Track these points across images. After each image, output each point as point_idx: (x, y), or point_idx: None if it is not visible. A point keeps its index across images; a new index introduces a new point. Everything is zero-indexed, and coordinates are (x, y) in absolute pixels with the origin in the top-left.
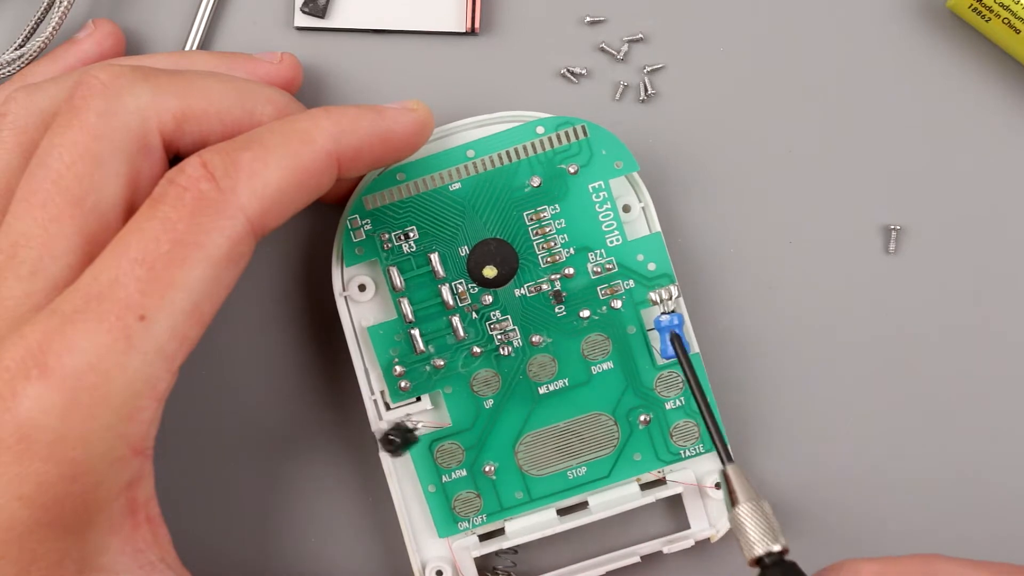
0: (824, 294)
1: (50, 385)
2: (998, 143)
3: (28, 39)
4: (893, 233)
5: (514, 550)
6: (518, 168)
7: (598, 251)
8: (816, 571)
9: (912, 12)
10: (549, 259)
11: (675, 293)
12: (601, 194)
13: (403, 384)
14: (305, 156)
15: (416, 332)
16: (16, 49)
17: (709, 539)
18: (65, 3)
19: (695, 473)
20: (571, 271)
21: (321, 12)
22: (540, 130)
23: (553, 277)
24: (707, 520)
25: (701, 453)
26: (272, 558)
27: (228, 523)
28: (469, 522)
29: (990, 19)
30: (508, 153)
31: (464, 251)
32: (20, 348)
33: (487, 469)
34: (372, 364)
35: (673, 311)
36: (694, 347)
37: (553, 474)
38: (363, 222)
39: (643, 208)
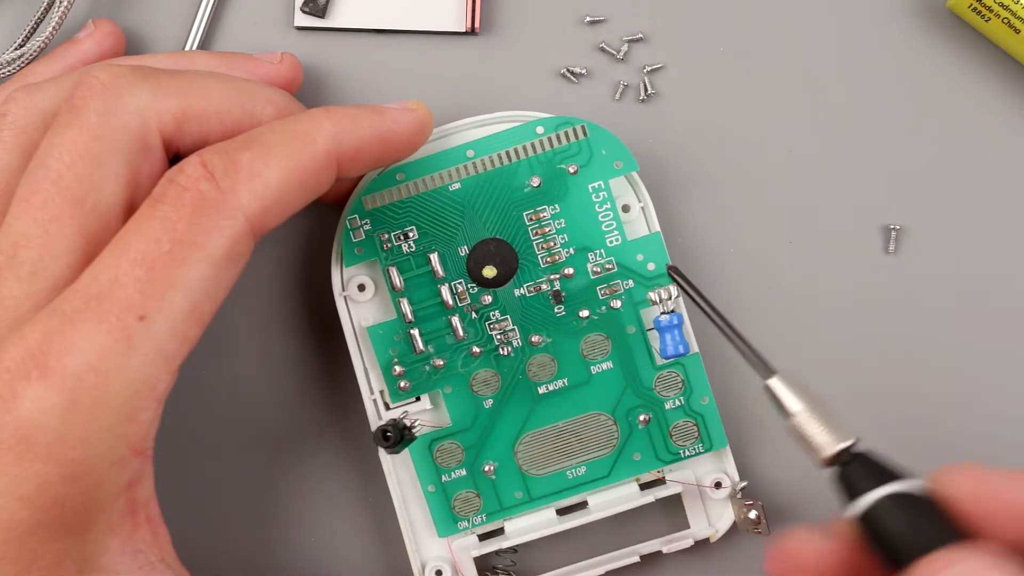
0: (824, 294)
1: (50, 386)
2: (998, 143)
3: (28, 39)
4: (893, 233)
5: (514, 550)
6: (518, 168)
7: (598, 251)
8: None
9: (912, 12)
10: (549, 259)
11: (674, 293)
12: (601, 194)
13: (403, 384)
14: (305, 156)
15: (416, 332)
16: (16, 49)
17: (708, 539)
18: (65, 3)
19: (694, 473)
20: (571, 271)
21: (321, 12)
22: (540, 130)
23: (553, 277)
24: (707, 520)
25: (700, 453)
26: (272, 558)
27: (228, 523)
28: (469, 522)
29: (990, 19)
30: (508, 153)
31: (464, 251)
32: (20, 349)
33: (487, 469)
34: (372, 364)
35: (672, 311)
36: (694, 347)
37: (552, 474)
38: (362, 222)
39: (642, 208)
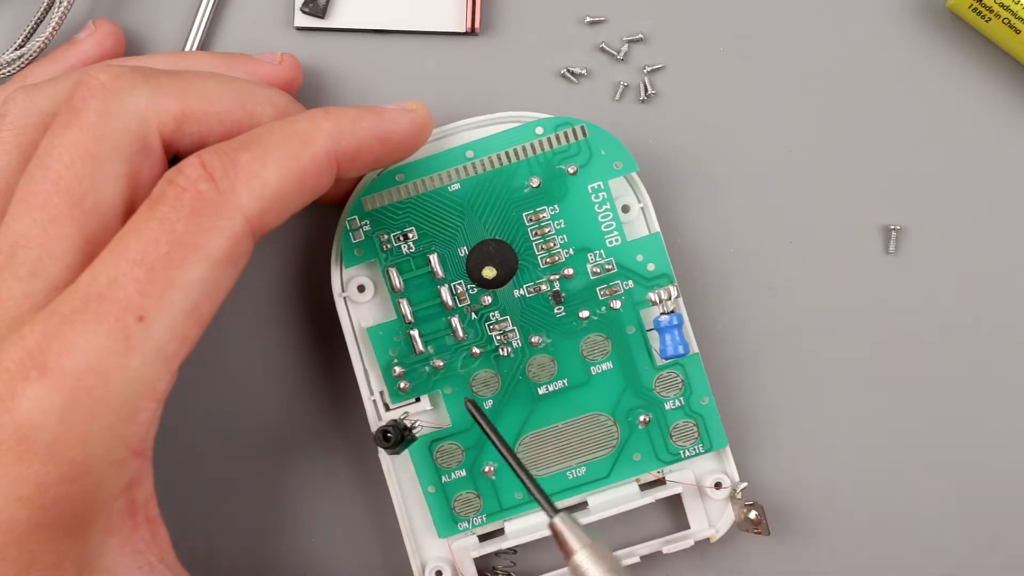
0: (824, 294)
1: (49, 386)
2: (998, 143)
3: (28, 39)
4: (893, 233)
5: (514, 550)
6: (517, 169)
7: (597, 251)
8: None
9: (912, 12)
10: (548, 260)
11: (674, 293)
12: (600, 194)
13: (402, 385)
14: (304, 157)
15: (415, 333)
16: (16, 49)
17: (709, 539)
18: (65, 3)
19: (694, 473)
20: (570, 271)
21: (321, 12)
22: (539, 131)
23: (552, 278)
24: (707, 520)
25: (700, 453)
26: (272, 558)
27: (228, 523)
28: (469, 522)
29: (990, 19)
30: (507, 154)
31: (463, 252)
32: (19, 349)
33: (487, 469)
34: (371, 364)
35: (672, 311)
36: (694, 347)
37: (553, 474)
38: (362, 223)
39: (642, 208)
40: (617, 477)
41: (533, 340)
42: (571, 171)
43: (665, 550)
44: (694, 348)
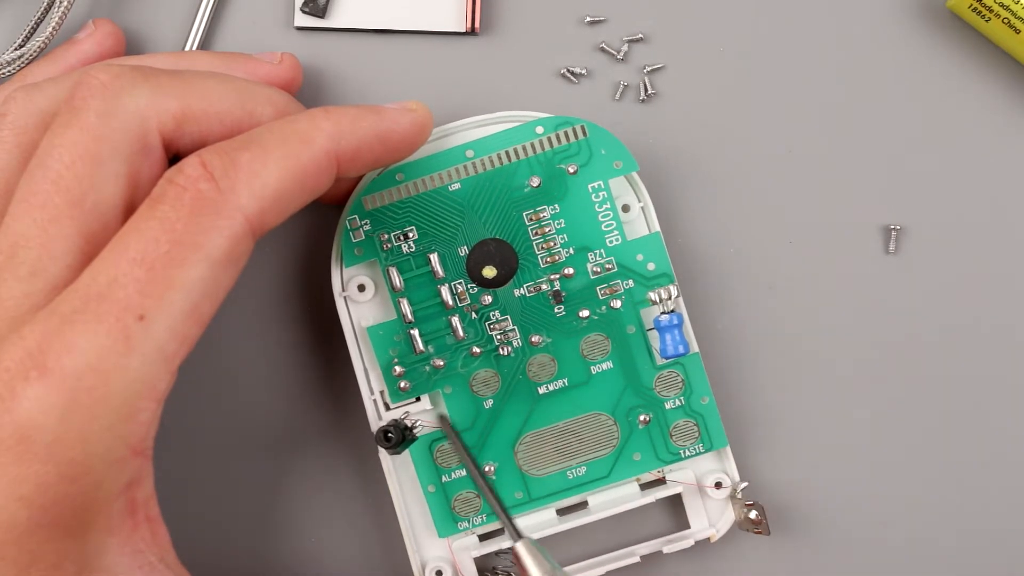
0: (824, 294)
1: (49, 386)
2: (998, 143)
3: (28, 39)
4: (893, 233)
5: None
6: (517, 168)
7: (597, 251)
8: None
9: (912, 12)
10: (548, 259)
11: (674, 293)
12: (600, 194)
13: (403, 384)
14: (304, 156)
15: (416, 332)
16: (16, 49)
17: (709, 539)
18: (65, 3)
19: (695, 473)
20: (570, 271)
21: (321, 12)
22: (539, 130)
23: (552, 277)
24: (707, 520)
25: (701, 453)
26: (272, 557)
27: (228, 523)
28: (469, 522)
29: (990, 19)
30: (507, 153)
31: (463, 251)
32: (19, 349)
33: (487, 469)
34: (372, 364)
35: (672, 311)
36: (694, 347)
37: (553, 474)
38: (362, 222)
39: (642, 208)
40: (617, 477)
41: (533, 339)
42: (571, 171)
43: (665, 550)
44: (694, 348)
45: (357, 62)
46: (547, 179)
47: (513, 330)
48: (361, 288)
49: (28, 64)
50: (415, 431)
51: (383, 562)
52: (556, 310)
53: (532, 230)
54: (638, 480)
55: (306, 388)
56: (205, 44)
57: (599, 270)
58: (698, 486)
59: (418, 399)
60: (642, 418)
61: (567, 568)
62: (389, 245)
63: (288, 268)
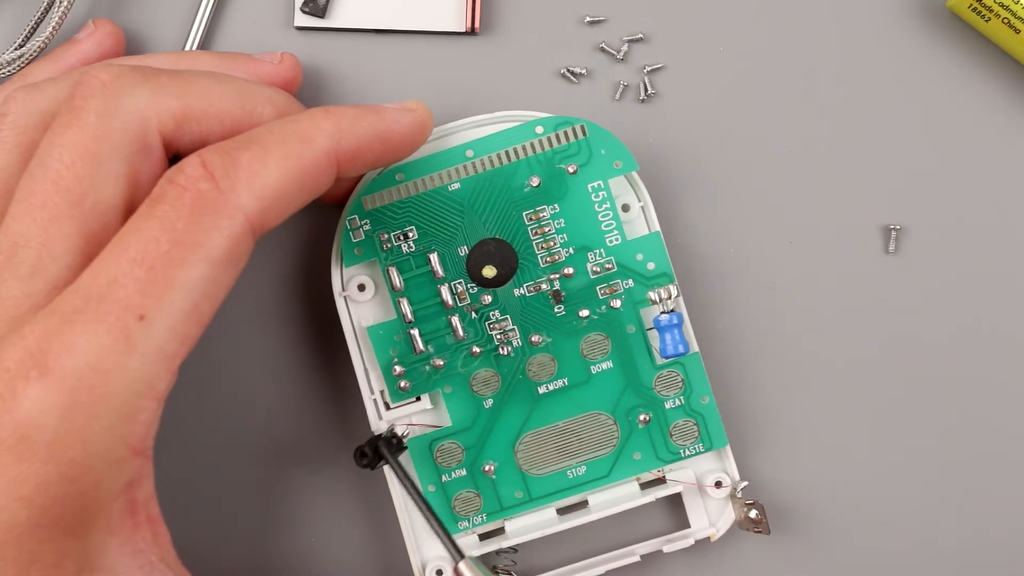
0: (824, 294)
1: (49, 386)
2: (998, 143)
3: (28, 39)
4: (893, 233)
5: (514, 549)
6: (517, 168)
7: (597, 251)
8: None
9: (912, 12)
10: (548, 259)
11: (674, 292)
12: (600, 194)
13: (403, 384)
14: (304, 156)
15: (415, 332)
16: (16, 49)
17: (709, 538)
18: (65, 3)
19: (695, 472)
20: (570, 271)
21: (321, 12)
22: (539, 130)
23: (552, 277)
24: (707, 519)
25: (701, 452)
26: (272, 557)
27: (228, 522)
28: (469, 522)
29: (990, 19)
30: (507, 153)
31: (463, 251)
32: (19, 349)
33: (487, 469)
34: (372, 364)
35: (672, 310)
36: (694, 347)
37: (553, 473)
38: (362, 222)
39: (642, 207)
40: (617, 476)
41: (533, 339)
42: (571, 170)
43: (665, 549)
44: (694, 347)
45: (357, 62)
46: (547, 179)
47: (513, 330)
48: (361, 288)
49: (28, 64)
50: (404, 440)
51: (383, 562)
52: (556, 310)
53: (532, 230)
54: (638, 479)
55: (306, 388)
56: (205, 44)
57: (599, 270)
58: (698, 485)
59: (418, 399)
60: (642, 418)
61: (567, 568)
62: (389, 245)
63: (288, 268)
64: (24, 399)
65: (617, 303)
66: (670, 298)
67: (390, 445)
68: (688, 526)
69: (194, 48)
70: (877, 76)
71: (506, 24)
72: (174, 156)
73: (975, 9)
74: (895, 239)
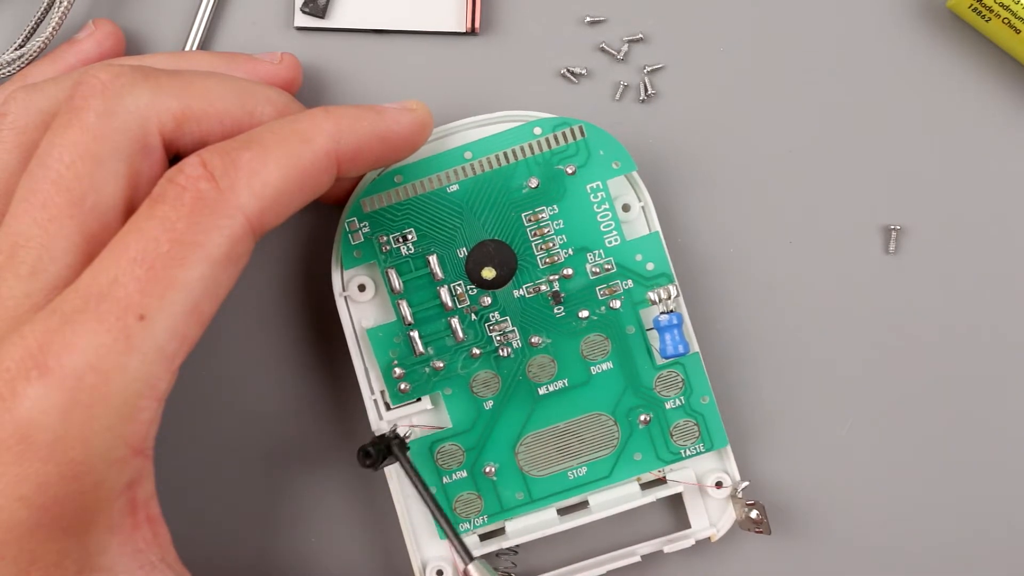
0: (824, 294)
1: (50, 385)
2: (998, 143)
3: (28, 39)
4: (893, 233)
5: (514, 550)
6: (516, 169)
7: (597, 251)
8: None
9: (912, 12)
10: (548, 260)
11: (674, 293)
12: (599, 194)
13: (403, 386)
14: (304, 156)
15: (415, 334)
16: (16, 49)
17: (710, 538)
18: (65, 3)
19: (695, 472)
20: (570, 272)
21: (321, 12)
22: (537, 131)
23: (552, 278)
24: (708, 519)
25: (701, 452)
26: (273, 557)
27: (229, 522)
28: (470, 523)
29: (990, 19)
30: (506, 154)
31: (463, 253)
32: (20, 348)
33: (487, 470)
34: (372, 364)
35: (672, 310)
36: (694, 347)
37: (553, 474)
38: (361, 225)
39: (642, 208)
40: (618, 477)
41: (533, 340)
42: (569, 171)
43: (666, 549)
44: (694, 347)
45: (357, 62)
46: (545, 180)
47: (513, 331)
48: (361, 288)
49: (28, 64)
50: (407, 441)
51: (383, 562)
52: (556, 311)
53: (531, 231)
54: (639, 480)
55: (306, 388)
56: (205, 44)
57: (598, 270)
58: (699, 486)
59: (418, 400)
60: (642, 418)
61: (568, 568)
62: (388, 247)
63: (288, 268)
64: (24, 399)
65: (617, 304)
66: (670, 298)
67: (402, 445)
68: (689, 526)
69: (194, 48)
70: (877, 76)
71: (506, 24)
72: (174, 156)
73: (975, 9)
74: (895, 239)
